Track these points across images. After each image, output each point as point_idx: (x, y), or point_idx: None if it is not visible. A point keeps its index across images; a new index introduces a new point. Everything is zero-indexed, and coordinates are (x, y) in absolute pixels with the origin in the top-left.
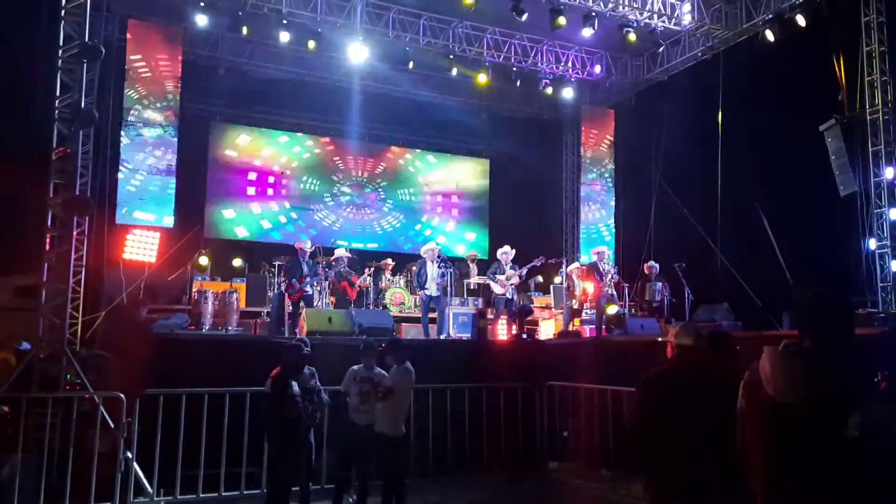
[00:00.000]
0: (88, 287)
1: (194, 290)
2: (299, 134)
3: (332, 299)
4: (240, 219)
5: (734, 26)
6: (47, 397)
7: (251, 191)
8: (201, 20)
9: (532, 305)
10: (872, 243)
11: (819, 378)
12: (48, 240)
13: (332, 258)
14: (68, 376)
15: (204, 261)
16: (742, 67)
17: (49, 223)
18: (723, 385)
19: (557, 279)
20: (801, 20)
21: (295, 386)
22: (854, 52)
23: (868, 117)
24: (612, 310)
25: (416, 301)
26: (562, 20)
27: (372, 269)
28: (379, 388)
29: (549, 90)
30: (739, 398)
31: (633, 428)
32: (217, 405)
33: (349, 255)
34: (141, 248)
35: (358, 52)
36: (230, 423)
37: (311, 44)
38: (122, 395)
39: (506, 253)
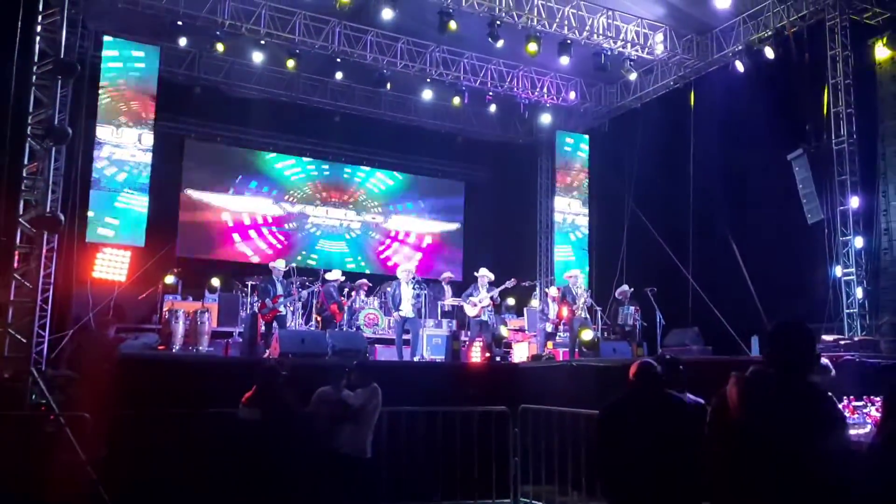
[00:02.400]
0: (56, 306)
1: (165, 309)
2: (272, 154)
3: (319, 319)
4: (213, 237)
5: (705, 56)
6: (10, 417)
7: (225, 214)
8: (178, 39)
9: (507, 328)
10: (839, 270)
11: (783, 404)
12: (16, 256)
13: (331, 280)
14: (33, 396)
15: (170, 279)
16: (713, 96)
17: (18, 240)
18: (673, 412)
19: (534, 302)
20: (769, 52)
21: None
22: (820, 84)
23: (834, 147)
24: (587, 335)
25: (390, 322)
26: (532, 46)
27: (352, 291)
28: (347, 410)
29: (525, 112)
30: (707, 423)
31: (596, 455)
32: (186, 427)
33: (342, 279)
34: (111, 266)
35: (335, 74)
36: (199, 445)
37: (291, 63)
38: (89, 416)
39: (484, 276)
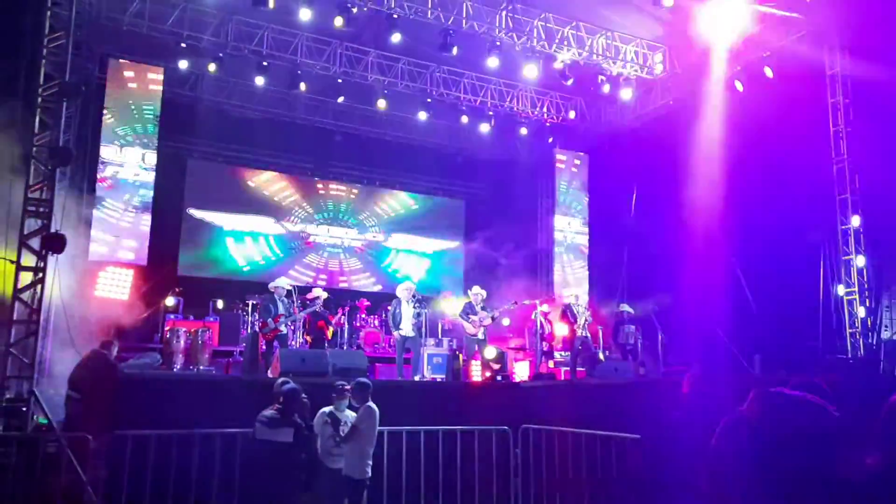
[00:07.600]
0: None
1: (166, 328)
2: (276, 173)
3: (308, 338)
4: (214, 255)
5: (704, 76)
6: (11, 437)
7: (228, 231)
8: (181, 61)
9: (495, 349)
10: (841, 289)
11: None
12: (19, 276)
13: (309, 297)
14: (34, 417)
15: (170, 301)
16: (712, 115)
17: (21, 259)
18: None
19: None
20: (768, 71)
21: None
22: (820, 103)
23: (834, 167)
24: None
25: (390, 341)
26: (531, 70)
27: (347, 308)
28: (340, 434)
29: (525, 131)
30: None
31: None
32: (187, 446)
33: (326, 295)
34: (113, 285)
35: (336, 95)
36: (200, 465)
37: (303, 86)
38: (90, 436)
39: (477, 294)
